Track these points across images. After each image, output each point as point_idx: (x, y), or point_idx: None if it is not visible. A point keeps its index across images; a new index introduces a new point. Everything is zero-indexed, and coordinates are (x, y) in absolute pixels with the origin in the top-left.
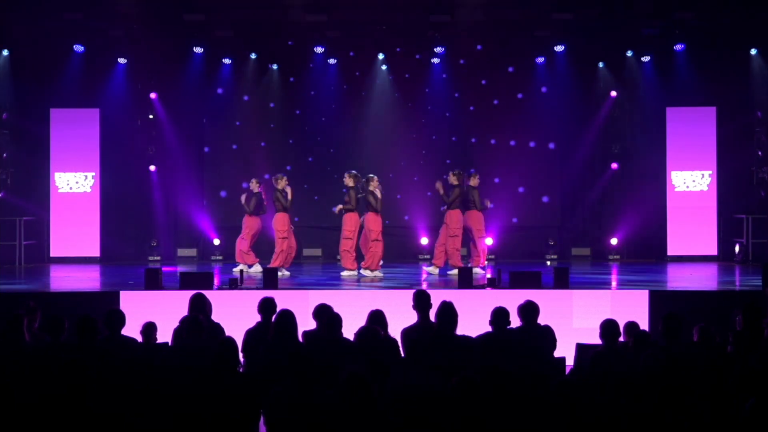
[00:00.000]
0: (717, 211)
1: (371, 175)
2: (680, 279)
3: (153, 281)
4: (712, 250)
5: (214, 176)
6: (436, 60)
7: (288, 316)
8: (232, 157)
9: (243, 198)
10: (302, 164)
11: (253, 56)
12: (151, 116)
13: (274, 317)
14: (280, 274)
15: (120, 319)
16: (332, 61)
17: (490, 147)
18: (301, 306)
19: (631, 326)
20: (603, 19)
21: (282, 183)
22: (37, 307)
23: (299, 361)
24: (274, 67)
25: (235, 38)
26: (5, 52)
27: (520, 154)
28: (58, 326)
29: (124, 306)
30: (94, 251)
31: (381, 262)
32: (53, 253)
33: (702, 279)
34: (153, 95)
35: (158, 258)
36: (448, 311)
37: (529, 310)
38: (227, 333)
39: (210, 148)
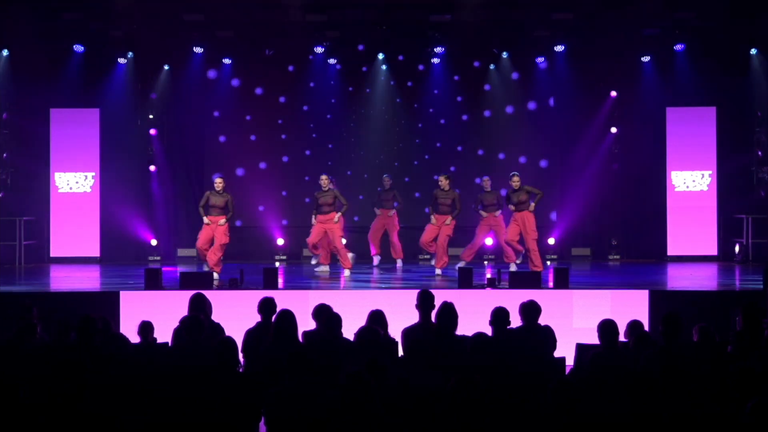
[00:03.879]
0: (717, 211)
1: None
2: (680, 279)
3: (153, 281)
4: (712, 250)
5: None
6: (435, 60)
7: (288, 316)
8: (233, 159)
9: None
10: (302, 167)
11: (252, 56)
12: (151, 116)
13: (274, 317)
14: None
15: (107, 325)
16: (332, 61)
17: (488, 147)
18: (301, 306)
19: (635, 325)
20: (603, 19)
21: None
22: (33, 305)
23: (299, 361)
24: (274, 66)
25: (235, 38)
26: (5, 52)
27: (520, 150)
28: (65, 329)
29: (124, 306)
30: (94, 251)
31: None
32: (53, 253)
33: (702, 279)
34: (153, 95)
35: (158, 258)
36: (448, 311)
37: (530, 310)
38: (227, 333)
39: (214, 151)
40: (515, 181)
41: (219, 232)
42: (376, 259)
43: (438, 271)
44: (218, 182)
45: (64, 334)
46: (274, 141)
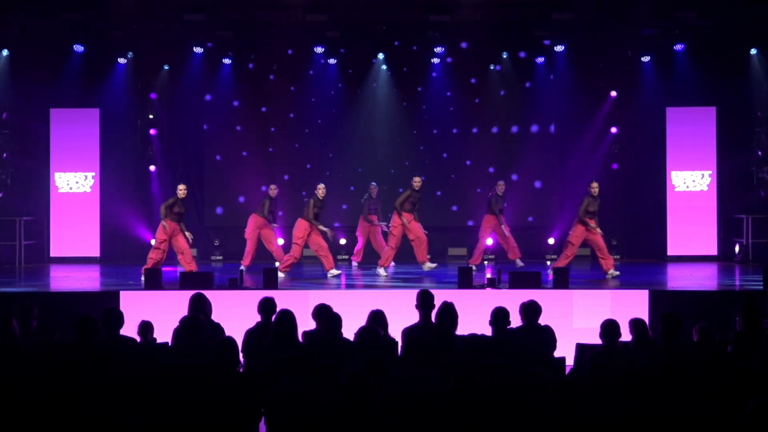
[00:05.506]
0: (717, 211)
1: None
2: (680, 279)
3: (153, 281)
4: (712, 250)
5: (215, 179)
6: (436, 60)
7: (288, 316)
8: (233, 159)
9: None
10: (301, 169)
11: (252, 56)
12: (151, 116)
13: (274, 317)
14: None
15: (118, 319)
16: (332, 61)
17: (489, 146)
18: (301, 306)
19: (637, 323)
20: (603, 19)
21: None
22: (33, 305)
23: (299, 361)
24: (274, 67)
25: (235, 38)
26: (5, 52)
27: (519, 152)
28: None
29: (124, 306)
30: (94, 251)
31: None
32: (53, 253)
33: (702, 279)
34: (153, 95)
35: None
36: (448, 311)
37: (531, 310)
38: (227, 333)
39: (214, 152)
40: (594, 187)
41: (180, 236)
42: (354, 264)
43: (431, 265)
44: (181, 188)
45: (48, 335)
46: (275, 139)
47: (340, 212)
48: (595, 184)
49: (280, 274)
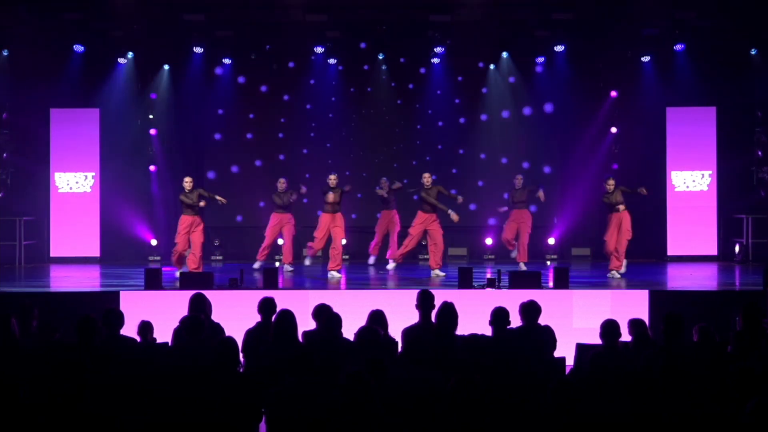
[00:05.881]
0: (717, 211)
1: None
2: (680, 279)
3: (153, 281)
4: (712, 250)
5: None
6: (436, 60)
7: (288, 316)
8: (232, 158)
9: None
10: (300, 171)
11: (252, 57)
12: (151, 116)
13: (274, 317)
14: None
15: (118, 319)
16: (332, 61)
17: (489, 138)
18: (301, 306)
19: (636, 323)
20: (603, 19)
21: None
22: (33, 305)
23: (299, 361)
24: (273, 67)
25: (235, 38)
26: (5, 52)
27: (520, 151)
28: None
29: (124, 306)
30: (94, 251)
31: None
32: (53, 253)
33: (702, 279)
34: (153, 95)
35: (158, 258)
36: (448, 311)
37: (530, 310)
38: (227, 333)
39: (215, 160)
40: (610, 184)
41: (198, 232)
42: (372, 259)
43: (441, 274)
44: (187, 181)
45: (48, 335)
46: (273, 140)
47: (349, 219)
48: (611, 181)
49: (307, 262)
